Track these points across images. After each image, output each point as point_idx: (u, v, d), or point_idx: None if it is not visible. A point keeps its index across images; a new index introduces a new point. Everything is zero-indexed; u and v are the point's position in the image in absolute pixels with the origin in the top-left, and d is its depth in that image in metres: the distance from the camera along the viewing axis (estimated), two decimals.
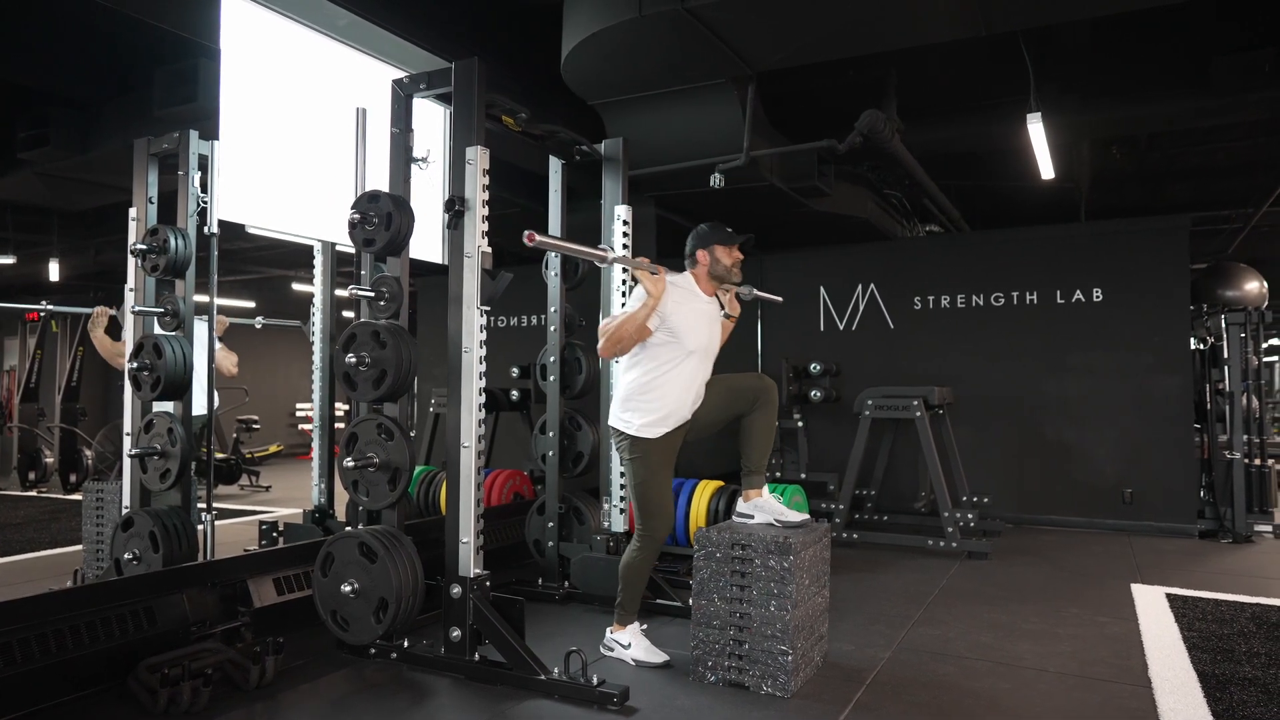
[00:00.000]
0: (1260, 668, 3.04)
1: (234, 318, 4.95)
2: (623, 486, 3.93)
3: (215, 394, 4.40)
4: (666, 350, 3.06)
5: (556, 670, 2.79)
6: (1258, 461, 5.70)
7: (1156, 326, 5.92)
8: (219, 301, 3.87)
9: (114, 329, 4.71)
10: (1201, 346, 6.11)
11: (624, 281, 3.95)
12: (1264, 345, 6.26)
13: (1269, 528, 5.64)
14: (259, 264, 9.93)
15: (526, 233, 2.66)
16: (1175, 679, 2.93)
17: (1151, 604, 3.94)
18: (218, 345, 4.65)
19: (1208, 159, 7.42)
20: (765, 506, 3.08)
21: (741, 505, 3.16)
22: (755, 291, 3.37)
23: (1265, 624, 3.59)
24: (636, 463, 3.09)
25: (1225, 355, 5.75)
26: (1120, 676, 3.00)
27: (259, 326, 5.19)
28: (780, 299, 3.81)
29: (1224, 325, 5.75)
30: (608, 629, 3.20)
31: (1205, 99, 5.36)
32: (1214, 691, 2.80)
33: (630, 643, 3.11)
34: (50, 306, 5.40)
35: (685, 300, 3.11)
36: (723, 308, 3.29)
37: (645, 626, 3.23)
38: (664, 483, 3.12)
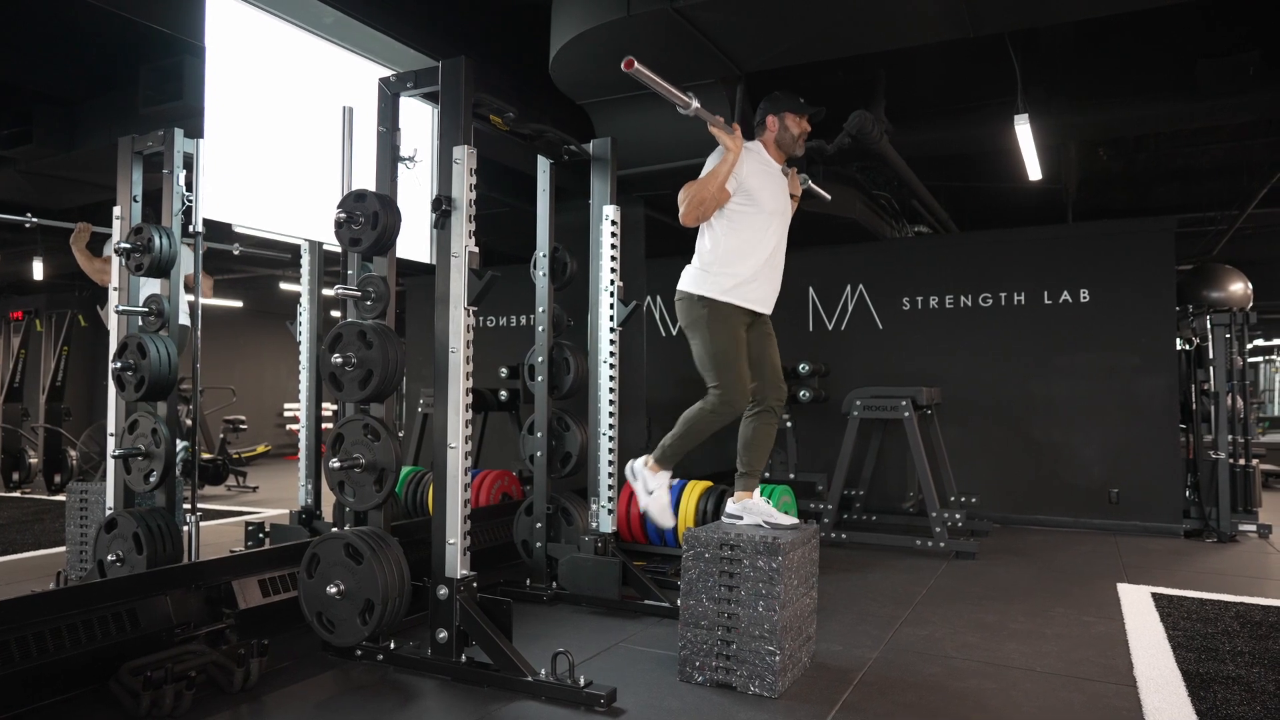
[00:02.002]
0: (1244, 666, 3.06)
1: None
2: (611, 487, 3.93)
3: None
4: (745, 214, 3.06)
5: (544, 671, 2.77)
6: (1242, 461, 5.74)
7: (1142, 327, 5.96)
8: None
9: (96, 244, 4.72)
10: (1187, 347, 6.15)
11: (611, 282, 3.94)
12: (1248, 346, 6.30)
13: (1253, 527, 5.68)
14: (245, 263, 9.87)
15: (627, 59, 2.60)
16: (1160, 678, 2.95)
17: (1137, 603, 3.96)
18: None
19: (1194, 161, 7.48)
20: (754, 509, 3.08)
21: (731, 506, 3.15)
22: (810, 182, 3.38)
23: (1249, 623, 3.62)
24: (714, 326, 3.01)
25: (1210, 356, 5.79)
26: (1106, 676, 3.01)
27: (236, 253, 5.17)
28: (829, 196, 3.78)
29: (1209, 326, 5.79)
30: (643, 457, 3.18)
31: (1191, 101, 5.40)
32: (1198, 690, 2.82)
33: (655, 490, 3.11)
34: (35, 220, 5.37)
35: (759, 164, 3.13)
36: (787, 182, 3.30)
37: (675, 480, 3.17)
38: (742, 353, 3.05)
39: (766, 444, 3.21)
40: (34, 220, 5.39)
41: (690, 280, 3.13)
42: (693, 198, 2.99)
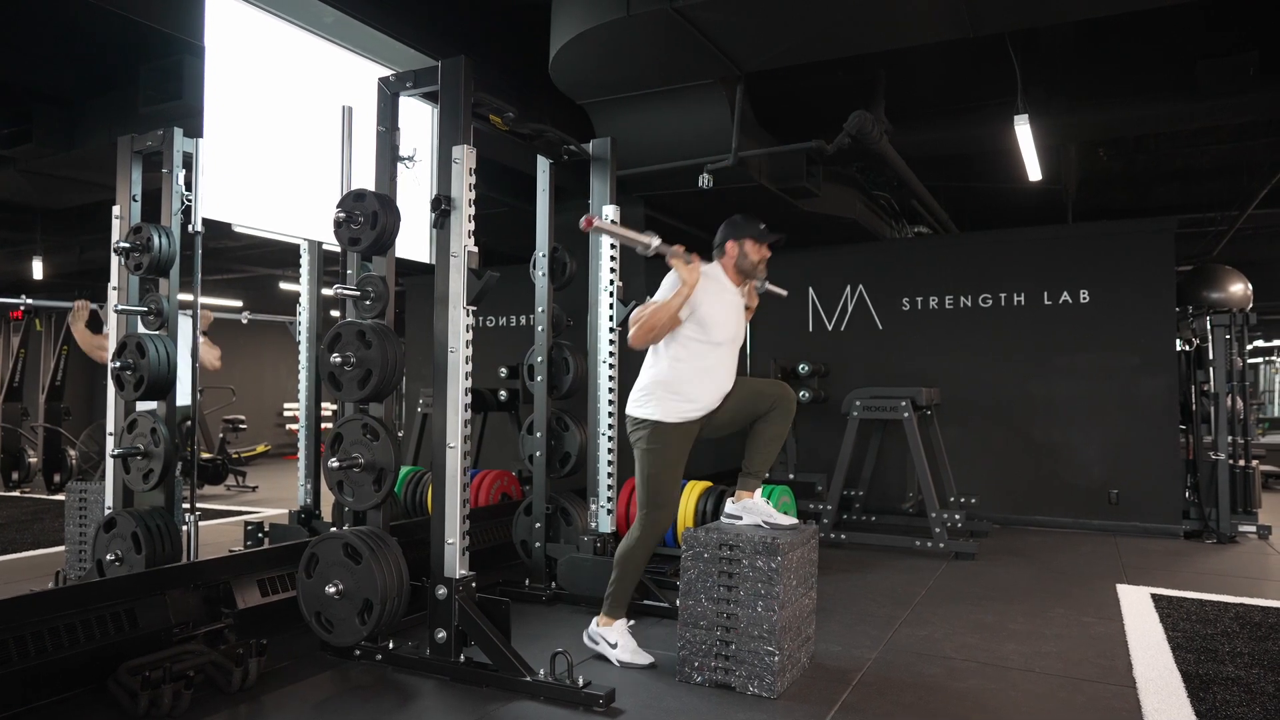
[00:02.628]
0: (1243, 668, 3.05)
1: (219, 313, 4.89)
2: (611, 487, 3.92)
3: (198, 393, 4.36)
4: (695, 341, 3.05)
5: (542, 671, 2.77)
6: (1242, 462, 5.74)
7: (1142, 328, 5.96)
8: (203, 300, 3.84)
9: (95, 322, 4.67)
10: (1187, 348, 6.15)
11: (611, 281, 3.94)
12: (1248, 347, 6.30)
13: (1253, 528, 5.68)
14: (245, 262, 9.86)
15: (585, 217, 2.69)
16: (1159, 679, 2.95)
17: (1136, 604, 3.96)
18: (201, 340, 4.62)
19: (1194, 161, 7.47)
20: (754, 508, 3.07)
21: (730, 505, 3.15)
22: (767, 284, 3.38)
23: (1248, 624, 3.62)
24: (654, 452, 3.05)
25: (1210, 356, 5.79)
26: (1105, 677, 3.01)
27: (245, 322, 5.15)
28: (785, 292, 3.80)
29: (1209, 327, 5.79)
30: (594, 620, 3.18)
31: (1191, 102, 5.40)
32: (1197, 691, 2.82)
33: (617, 642, 3.09)
34: (31, 301, 5.32)
35: (715, 290, 3.10)
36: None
37: (633, 623, 3.21)
38: (676, 475, 3.10)
39: (775, 446, 3.20)
40: (30, 302, 5.37)
41: (637, 404, 3.12)
42: (644, 323, 2.97)
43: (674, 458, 3.08)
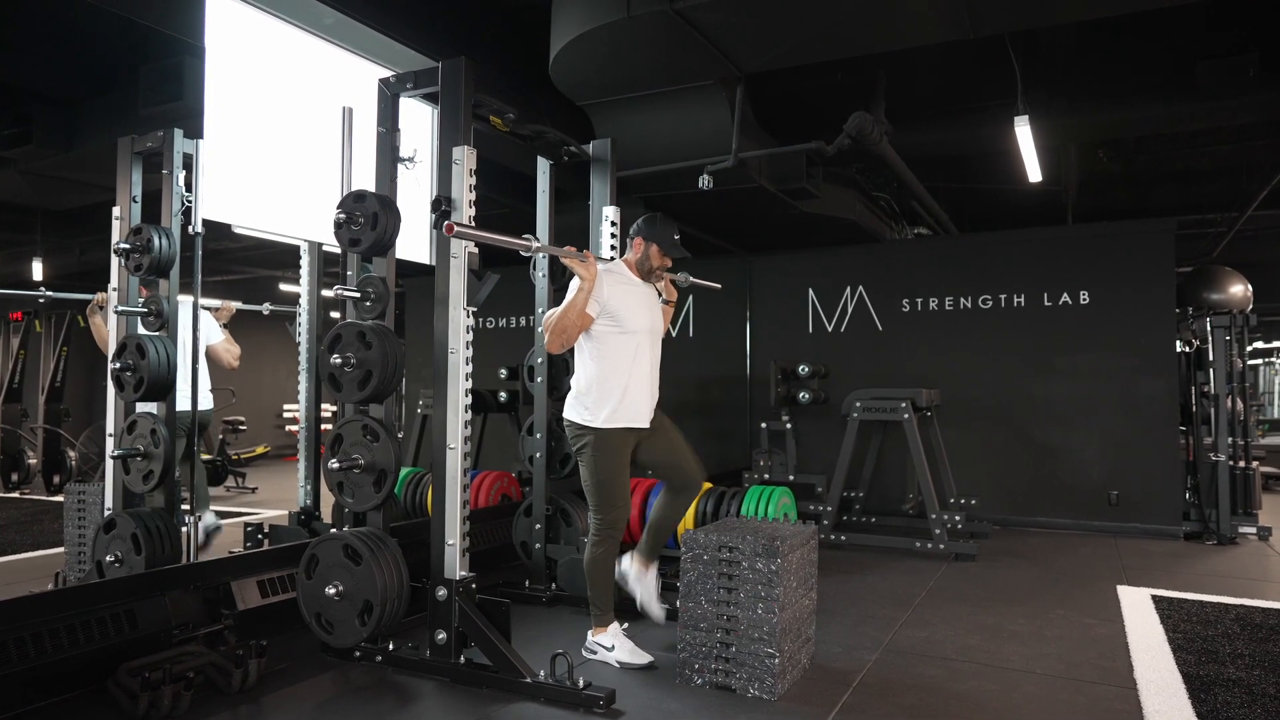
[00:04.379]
0: (1244, 669, 3.05)
1: (243, 304, 4.86)
2: None
3: (204, 394, 4.34)
4: (613, 337, 3.09)
5: (542, 673, 2.77)
6: (1242, 464, 5.74)
7: (1142, 329, 5.95)
8: (209, 301, 3.85)
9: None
10: (1187, 349, 6.14)
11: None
12: (1248, 348, 6.30)
13: (1253, 530, 5.68)
14: (245, 264, 9.86)
15: (446, 223, 2.64)
16: (1160, 680, 2.95)
17: (1137, 606, 3.96)
18: (221, 335, 4.59)
19: (1194, 163, 7.47)
20: (611, 642, 3.11)
21: (625, 565, 3.30)
22: (691, 278, 3.39)
23: (1249, 625, 3.61)
24: (597, 455, 3.09)
25: (1210, 358, 5.79)
26: (1106, 678, 3.01)
27: (266, 313, 5.18)
28: (719, 285, 3.78)
29: (1209, 328, 5.79)
30: (588, 632, 3.19)
31: (1191, 103, 5.40)
32: (1199, 693, 2.81)
33: (613, 644, 3.10)
34: (49, 294, 5.33)
35: (621, 284, 3.14)
36: (660, 294, 3.33)
37: (627, 626, 3.22)
38: (623, 474, 3.14)
39: (670, 530, 3.33)
40: (47, 294, 5.37)
41: (571, 409, 3.18)
42: (555, 327, 3.02)
43: (620, 461, 3.12)
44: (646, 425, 3.17)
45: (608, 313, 3.07)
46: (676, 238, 3.23)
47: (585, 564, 3.16)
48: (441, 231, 2.97)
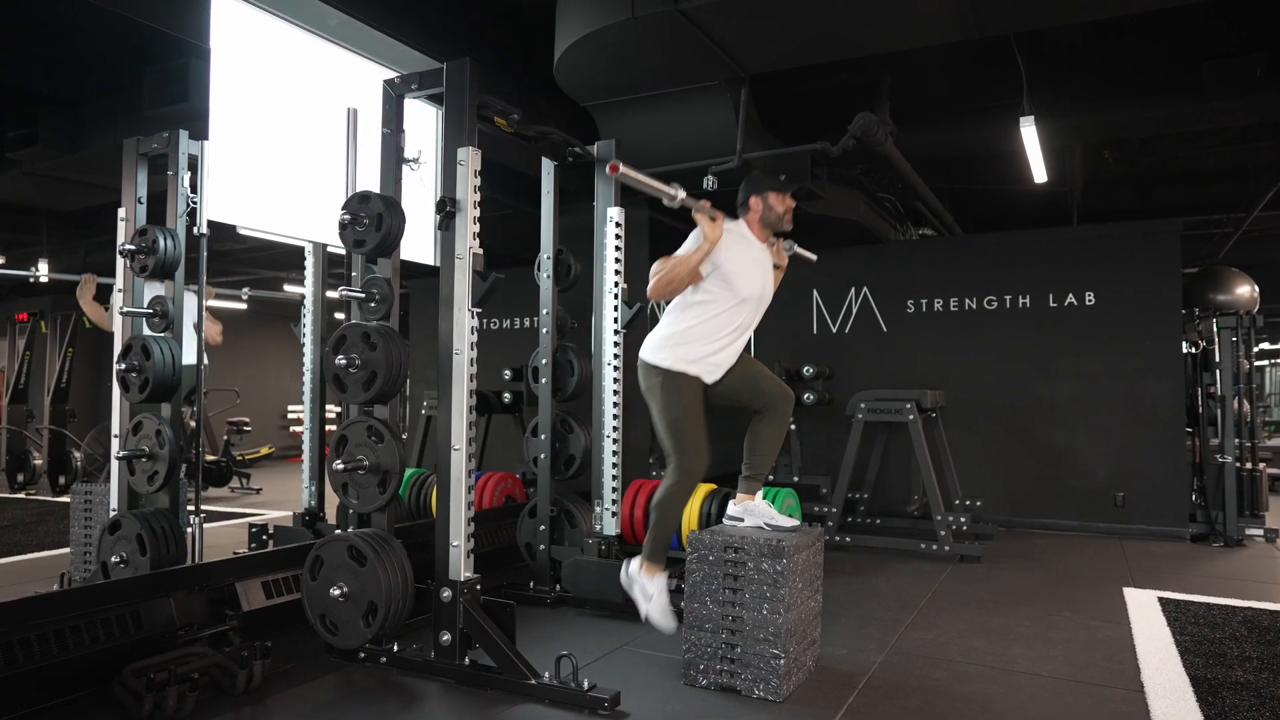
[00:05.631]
0: (1252, 672, 3.04)
1: (221, 294, 4.92)
2: (615, 489, 3.91)
3: (205, 358, 4.35)
4: (718, 299, 3.07)
5: (547, 675, 2.77)
6: (1249, 465, 5.71)
7: (1148, 330, 5.94)
8: (210, 304, 3.85)
9: (102, 295, 4.70)
10: (1193, 350, 6.13)
11: (616, 284, 3.93)
12: (1255, 349, 6.28)
13: (1260, 531, 5.65)
14: (250, 265, 9.88)
15: (610, 163, 2.72)
16: (1167, 683, 2.93)
17: (1143, 608, 3.94)
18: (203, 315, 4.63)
19: (1199, 163, 7.46)
20: (755, 510, 3.07)
21: (732, 508, 3.15)
22: (795, 247, 3.38)
23: (1257, 628, 3.60)
24: (666, 394, 3.05)
25: (1216, 359, 5.77)
26: (1113, 681, 2.99)
27: (244, 298, 5.23)
28: (815, 258, 3.80)
29: (1215, 329, 5.77)
30: (636, 559, 3.16)
31: (1197, 103, 5.39)
32: (1206, 696, 2.80)
33: (654, 595, 3.09)
34: (49, 273, 5.36)
35: (739, 247, 3.12)
36: (773, 260, 3.31)
37: (675, 583, 3.19)
38: (698, 420, 3.09)
39: (773, 448, 3.21)
40: (41, 275, 5.39)
41: (651, 349, 3.14)
42: (663, 275, 3.00)
43: (690, 402, 3.07)
44: (722, 375, 3.13)
45: (721, 274, 3.05)
46: (783, 178, 3.21)
47: (655, 499, 3.13)
48: (448, 232, 2.98)
